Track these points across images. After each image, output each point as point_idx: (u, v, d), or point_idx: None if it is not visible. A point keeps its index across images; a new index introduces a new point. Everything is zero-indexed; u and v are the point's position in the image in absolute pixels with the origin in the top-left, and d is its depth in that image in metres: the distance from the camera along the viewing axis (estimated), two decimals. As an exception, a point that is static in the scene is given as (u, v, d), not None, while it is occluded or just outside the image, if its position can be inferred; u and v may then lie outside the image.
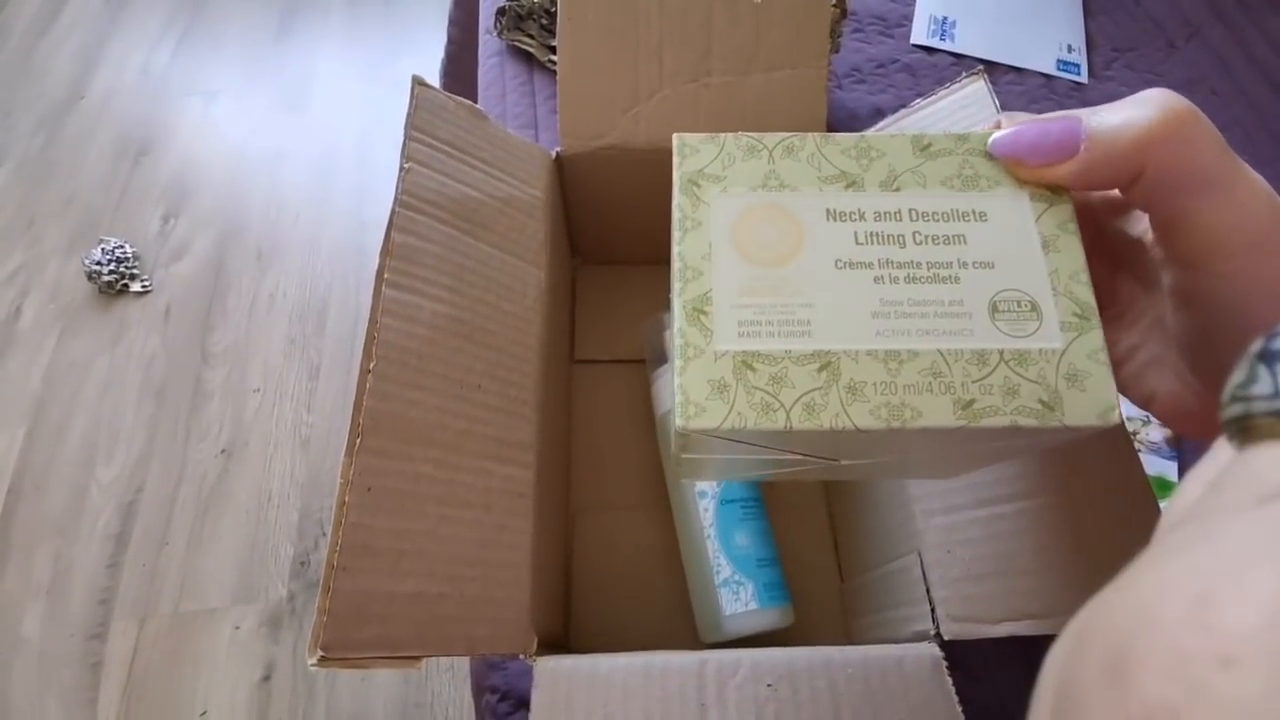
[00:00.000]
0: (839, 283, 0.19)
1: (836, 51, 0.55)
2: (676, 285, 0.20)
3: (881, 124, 0.38)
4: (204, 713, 0.84)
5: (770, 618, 0.33)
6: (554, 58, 0.56)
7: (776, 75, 0.37)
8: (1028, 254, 0.20)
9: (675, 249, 0.20)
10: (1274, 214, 0.19)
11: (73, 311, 1.14)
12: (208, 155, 1.32)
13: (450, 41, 0.80)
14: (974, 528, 0.27)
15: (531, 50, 0.57)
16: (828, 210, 0.20)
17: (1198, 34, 0.64)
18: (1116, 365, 0.24)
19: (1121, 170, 0.19)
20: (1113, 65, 0.62)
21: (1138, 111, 0.19)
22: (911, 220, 0.20)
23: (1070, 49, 0.63)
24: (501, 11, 0.57)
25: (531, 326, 0.32)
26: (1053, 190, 0.20)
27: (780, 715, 0.24)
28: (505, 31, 0.57)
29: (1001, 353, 0.19)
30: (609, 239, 0.46)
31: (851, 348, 0.19)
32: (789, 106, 0.38)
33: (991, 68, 0.61)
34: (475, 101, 0.39)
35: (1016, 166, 0.21)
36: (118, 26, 1.54)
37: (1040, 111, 0.59)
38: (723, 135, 0.22)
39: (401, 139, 0.31)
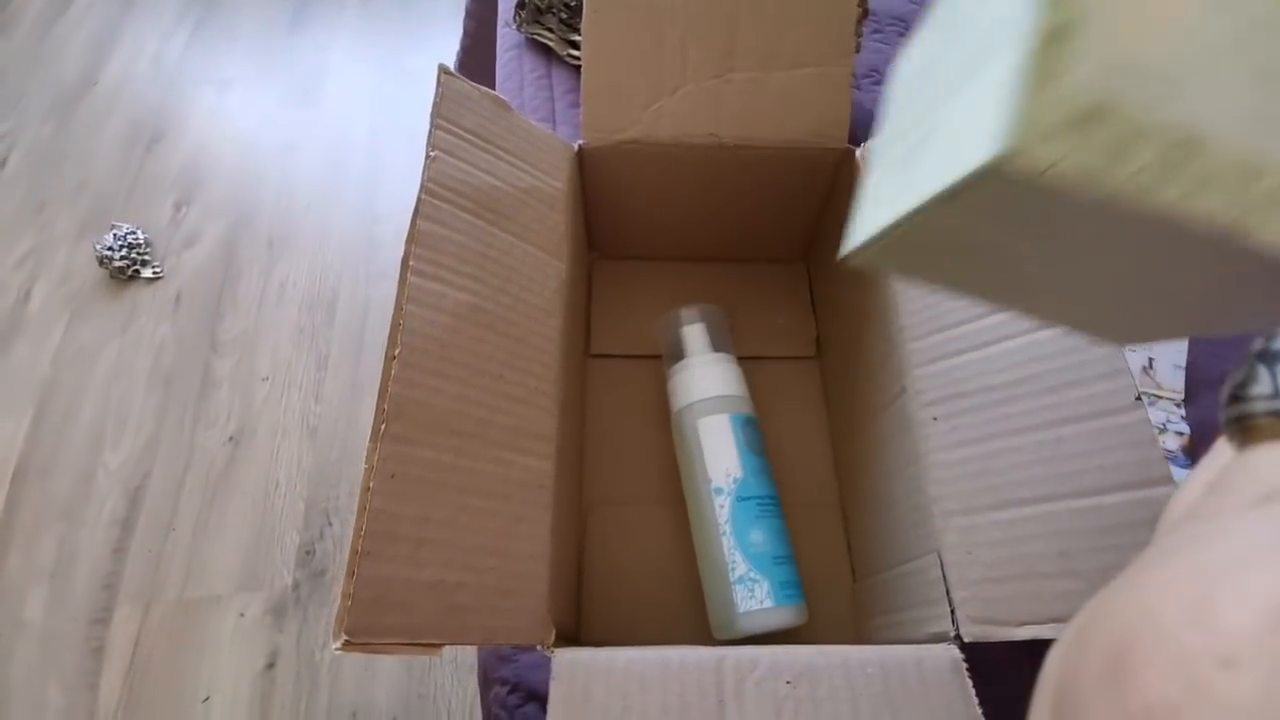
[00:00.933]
0: (1218, 66, 0.16)
1: (857, 51, 0.55)
2: None
3: (904, 124, 0.38)
4: (206, 699, 0.84)
5: (785, 616, 0.33)
6: (573, 51, 0.56)
7: (800, 73, 0.37)
8: None
9: None
10: None
11: (83, 297, 1.14)
12: (220, 144, 1.32)
13: (466, 34, 0.80)
14: (995, 530, 0.27)
15: (550, 44, 0.57)
16: None
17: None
18: None
19: None
20: (1132, 72, 0.62)
21: None
22: None
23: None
24: (521, 4, 0.56)
25: (552, 318, 0.32)
26: None
27: (799, 713, 0.24)
28: (524, 24, 0.57)
29: None
30: (626, 234, 0.46)
31: (1214, 141, 0.16)
32: (813, 104, 0.38)
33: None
34: (498, 93, 0.39)
35: None
36: (131, 14, 1.55)
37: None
38: None
39: (414, 131, 0.31)
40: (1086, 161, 0.15)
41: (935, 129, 0.19)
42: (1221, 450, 0.14)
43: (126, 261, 1.14)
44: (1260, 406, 0.13)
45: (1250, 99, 0.16)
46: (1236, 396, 0.13)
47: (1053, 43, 0.15)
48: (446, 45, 0.82)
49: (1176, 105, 0.16)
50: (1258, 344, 0.13)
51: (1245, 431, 0.13)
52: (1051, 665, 0.13)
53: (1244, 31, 0.16)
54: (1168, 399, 0.44)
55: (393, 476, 0.24)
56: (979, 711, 0.24)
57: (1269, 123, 0.15)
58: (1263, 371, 0.13)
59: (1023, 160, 0.15)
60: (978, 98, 0.17)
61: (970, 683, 0.25)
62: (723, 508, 0.35)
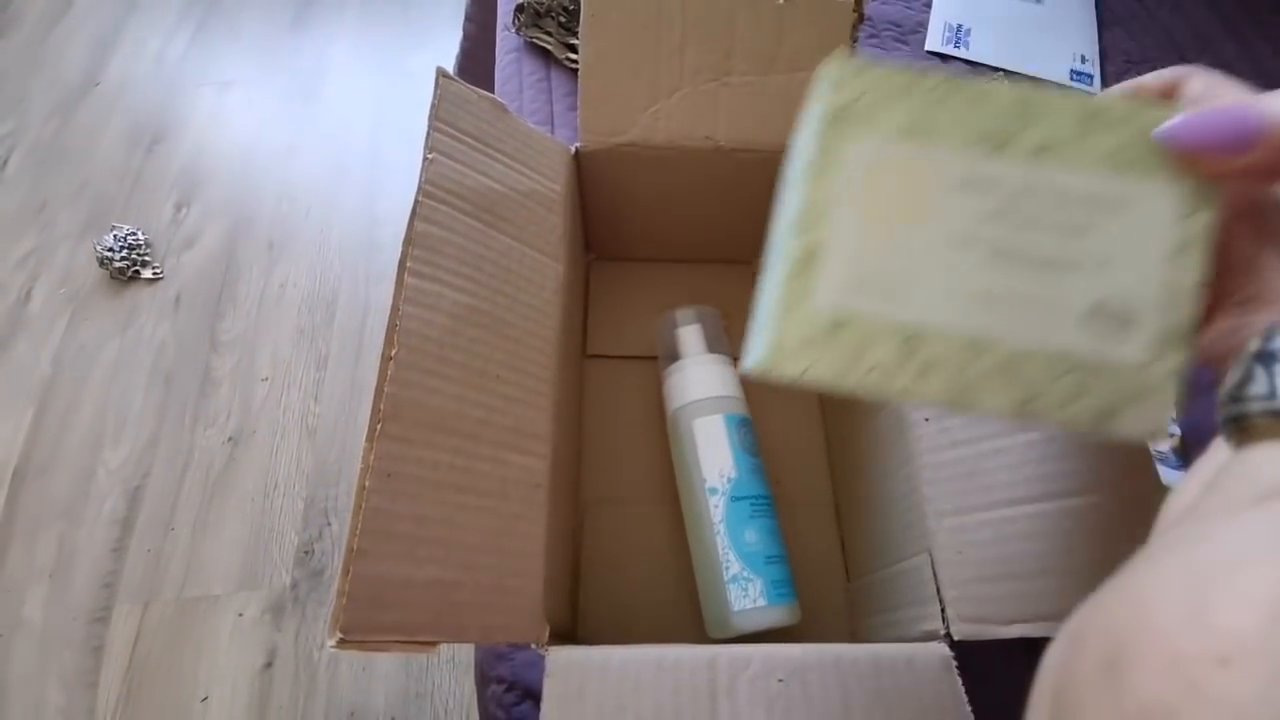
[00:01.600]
0: (949, 259, 0.19)
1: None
2: (790, 228, 0.19)
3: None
4: (205, 698, 0.84)
5: (778, 615, 0.33)
6: (571, 55, 0.56)
7: (798, 76, 0.37)
8: (1150, 260, 0.18)
9: (797, 190, 0.19)
10: None
11: (83, 297, 1.14)
12: (221, 145, 1.33)
13: (466, 37, 0.80)
14: (985, 529, 0.28)
15: (549, 47, 0.57)
16: (962, 177, 0.19)
17: (1209, 48, 0.64)
18: (1230, 354, 0.21)
19: None
20: (1125, 76, 0.62)
21: None
22: (1044, 200, 0.19)
23: (1083, 59, 0.63)
24: (520, 8, 0.57)
25: (549, 319, 0.33)
26: (1204, 194, 0.18)
27: (791, 711, 0.25)
28: (524, 28, 0.57)
29: (1081, 359, 0.18)
30: (623, 236, 0.47)
31: (939, 328, 0.19)
32: (808, 108, 0.38)
33: (1005, 76, 0.61)
34: (496, 96, 0.40)
35: (1185, 160, 0.19)
36: (133, 14, 1.55)
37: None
38: (877, 68, 0.20)
39: (414, 134, 0.31)
40: (830, 366, 0.19)
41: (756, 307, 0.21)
42: (1218, 450, 0.14)
43: (127, 262, 1.14)
44: (1257, 407, 0.13)
45: (980, 284, 0.18)
46: (1234, 397, 0.13)
47: (801, 268, 0.19)
48: (446, 48, 0.82)
49: (908, 303, 0.19)
50: (1254, 344, 0.13)
51: (1242, 431, 0.13)
52: (1048, 665, 0.13)
53: (982, 220, 0.19)
54: (1160, 401, 0.44)
55: (389, 476, 0.24)
56: (968, 709, 0.24)
57: (996, 304, 0.18)
58: (1259, 372, 0.13)
59: (778, 371, 0.19)
60: (762, 301, 0.20)
61: (960, 680, 0.25)
62: (717, 507, 0.35)
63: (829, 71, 0.20)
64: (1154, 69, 0.65)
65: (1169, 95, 0.22)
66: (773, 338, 0.19)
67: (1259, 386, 0.13)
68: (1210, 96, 0.20)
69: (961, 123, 0.19)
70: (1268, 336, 0.13)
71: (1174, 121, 0.19)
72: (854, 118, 0.20)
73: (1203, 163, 0.19)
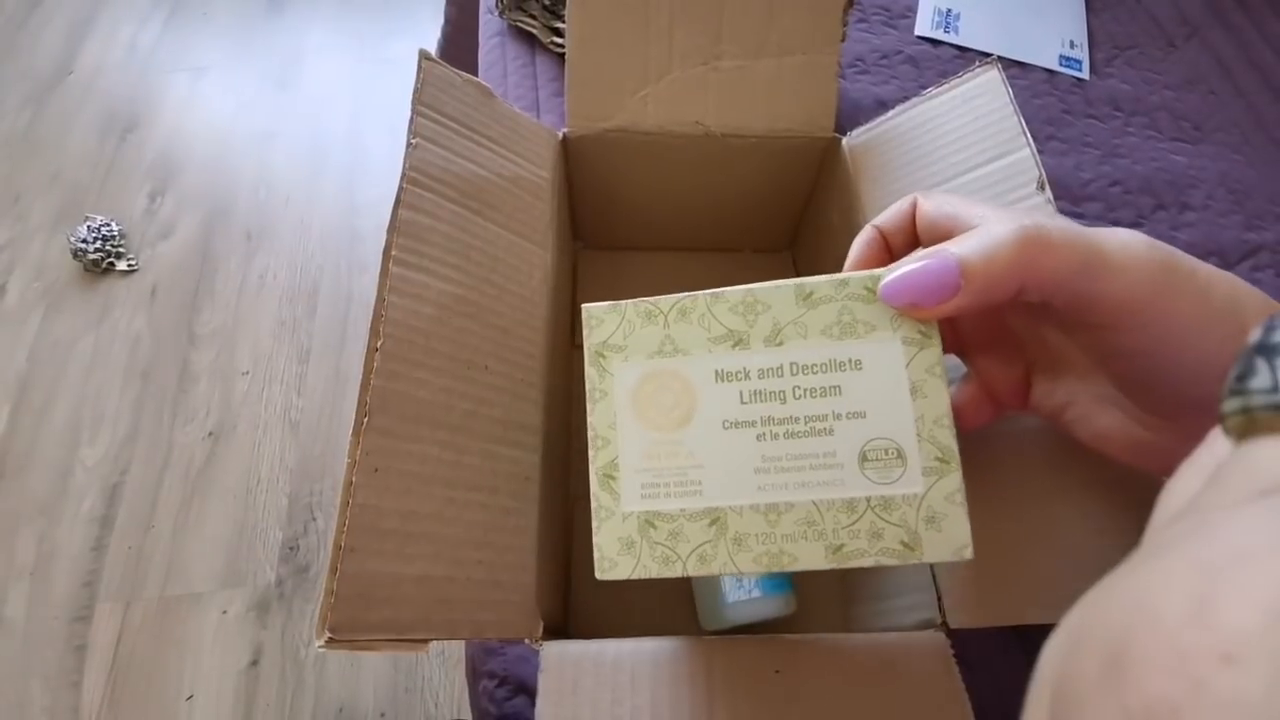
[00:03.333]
0: (726, 443, 0.22)
1: (842, 40, 0.55)
2: (590, 452, 0.22)
3: (890, 114, 0.38)
4: (190, 697, 0.83)
5: (773, 605, 0.33)
6: (556, 39, 0.55)
7: (788, 60, 0.37)
8: (897, 401, 0.21)
9: (589, 419, 0.23)
10: (1158, 259, 0.20)
11: (57, 290, 1.12)
12: (196, 133, 1.30)
13: (447, 21, 0.79)
14: (982, 516, 0.27)
15: (534, 31, 0.56)
16: (716, 372, 0.22)
17: (1197, 34, 0.64)
18: (1060, 412, 0.24)
19: (1004, 293, 0.20)
20: (1114, 62, 0.62)
21: (996, 243, 0.20)
22: (792, 375, 0.22)
23: (1072, 44, 0.63)
24: (504, -9, 0.56)
25: (537, 309, 0.32)
26: (924, 333, 0.21)
27: (787, 701, 0.24)
28: (507, 12, 0.56)
29: (869, 500, 0.21)
30: (612, 223, 0.46)
31: (736, 503, 0.21)
32: (799, 92, 0.38)
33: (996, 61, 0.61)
34: (481, 80, 0.39)
35: (907, 309, 0.21)
36: (106, 1, 1.51)
37: (1044, 106, 0.58)
38: (624, 303, 0.23)
39: (394, 120, 0.31)
40: (655, 560, 0.21)
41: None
42: (1215, 443, 0.14)
43: (101, 254, 1.12)
44: (1259, 400, 0.12)
45: (759, 457, 0.21)
46: (1235, 390, 0.13)
47: (605, 483, 0.22)
48: (428, 32, 0.81)
49: (702, 489, 0.21)
50: (1255, 336, 0.13)
51: (1244, 425, 0.13)
52: (1047, 662, 0.13)
53: (743, 404, 0.22)
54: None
55: (376, 471, 0.24)
56: (966, 697, 0.24)
57: (779, 471, 0.21)
58: (1261, 365, 0.12)
59: (613, 576, 0.22)
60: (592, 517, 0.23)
61: (957, 669, 0.25)
62: (710, 498, 0.35)
63: (586, 314, 0.23)
64: (1142, 55, 0.64)
65: (909, 218, 0.24)
66: (598, 552, 0.22)
67: (1261, 380, 0.12)
68: (939, 217, 0.23)
69: (703, 330, 0.22)
70: (1269, 328, 0.13)
71: (892, 277, 0.21)
72: (613, 350, 0.23)
73: (918, 311, 0.21)
